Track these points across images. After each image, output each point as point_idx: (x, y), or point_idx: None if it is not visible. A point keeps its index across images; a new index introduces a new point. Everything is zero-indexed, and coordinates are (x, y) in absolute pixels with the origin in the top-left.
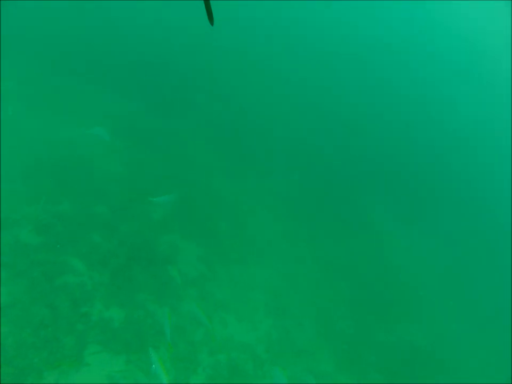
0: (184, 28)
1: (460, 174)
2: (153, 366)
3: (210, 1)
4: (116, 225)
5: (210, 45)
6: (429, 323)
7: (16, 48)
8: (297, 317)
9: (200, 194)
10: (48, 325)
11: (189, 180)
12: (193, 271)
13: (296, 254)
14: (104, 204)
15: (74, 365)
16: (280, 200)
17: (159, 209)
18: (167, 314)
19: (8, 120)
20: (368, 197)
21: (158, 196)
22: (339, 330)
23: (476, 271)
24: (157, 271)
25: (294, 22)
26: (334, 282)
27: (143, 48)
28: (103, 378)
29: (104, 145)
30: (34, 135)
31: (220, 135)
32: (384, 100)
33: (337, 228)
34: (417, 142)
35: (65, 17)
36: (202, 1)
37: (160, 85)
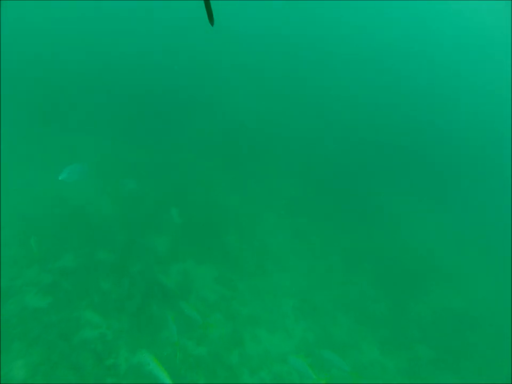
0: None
1: (470, 148)
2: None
3: (211, 2)
4: (123, 267)
5: (205, 56)
6: (460, 287)
7: None
8: (329, 313)
9: (203, 213)
10: None
11: (188, 201)
12: (213, 295)
13: (312, 251)
14: (106, 248)
15: None
16: (284, 201)
17: (164, 240)
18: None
19: None
20: (374, 181)
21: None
22: (375, 315)
23: (491, 237)
24: (175, 304)
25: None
26: (357, 269)
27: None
28: None
29: (92, 189)
30: (21, 195)
31: (213, 150)
32: (386, 83)
33: (349, 217)
34: (421, 118)
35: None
36: (203, 2)
37: (147, 110)
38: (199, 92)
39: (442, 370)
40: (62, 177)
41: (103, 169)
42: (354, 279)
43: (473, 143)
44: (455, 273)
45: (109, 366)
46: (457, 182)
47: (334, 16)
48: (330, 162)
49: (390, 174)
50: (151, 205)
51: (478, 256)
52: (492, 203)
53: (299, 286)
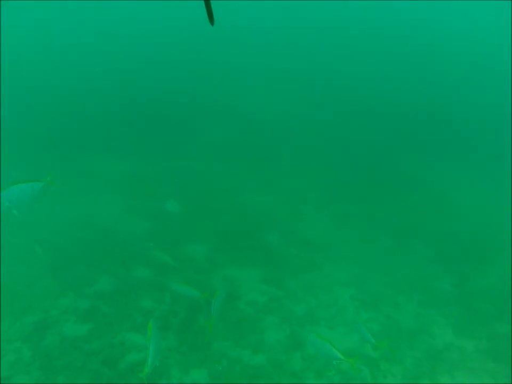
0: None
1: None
2: None
3: (211, 2)
4: (162, 283)
5: (212, 58)
6: None
7: None
8: (390, 299)
9: (237, 217)
10: None
11: (219, 207)
12: (263, 297)
13: (359, 236)
14: (141, 265)
15: None
16: (318, 192)
17: (201, 248)
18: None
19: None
20: (407, 154)
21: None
22: (440, 294)
23: None
24: (223, 312)
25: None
26: (410, 248)
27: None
28: None
29: (120, 207)
30: (44, 223)
31: (234, 153)
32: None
33: (390, 195)
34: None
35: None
36: (203, 2)
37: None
38: (211, 97)
39: None
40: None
41: (125, 186)
42: (409, 258)
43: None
44: None
45: None
46: (494, 149)
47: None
48: (357, 143)
49: (423, 145)
50: (181, 215)
51: None
52: None
53: (353, 275)
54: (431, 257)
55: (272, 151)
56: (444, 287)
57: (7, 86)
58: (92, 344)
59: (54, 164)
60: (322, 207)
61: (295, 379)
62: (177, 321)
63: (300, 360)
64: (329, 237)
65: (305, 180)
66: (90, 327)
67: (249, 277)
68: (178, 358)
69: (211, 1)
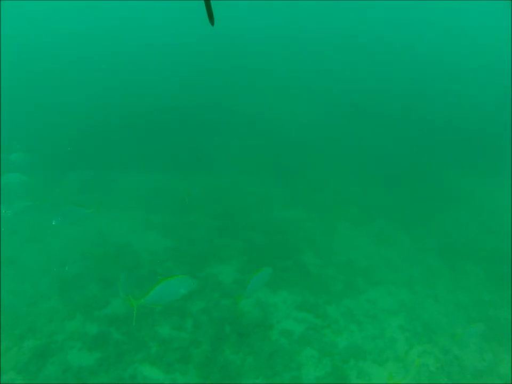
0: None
1: None
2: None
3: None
4: (183, 307)
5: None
6: None
7: None
8: (446, 329)
9: (268, 235)
10: None
11: (248, 224)
12: (299, 326)
13: (404, 254)
14: None
15: None
16: (355, 207)
17: (228, 269)
18: None
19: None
20: (442, 165)
21: None
22: (503, 322)
23: None
24: (253, 344)
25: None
26: (461, 266)
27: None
28: None
29: (140, 223)
30: (56, 238)
31: (262, 168)
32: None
33: (433, 208)
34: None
35: None
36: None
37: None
38: (232, 107)
39: None
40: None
41: (144, 201)
42: (461, 283)
43: None
44: None
45: None
46: None
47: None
48: (393, 154)
49: (462, 156)
50: (207, 232)
51: None
52: None
53: (400, 301)
54: (485, 281)
55: (300, 162)
56: (507, 316)
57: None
58: (99, 376)
59: (71, 178)
60: (358, 224)
61: None
62: (200, 353)
63: None
64: (369, 257)
65: (338, 194)
66: (98, 357)
67: (282, 302)
68: None
69: (211, 2)
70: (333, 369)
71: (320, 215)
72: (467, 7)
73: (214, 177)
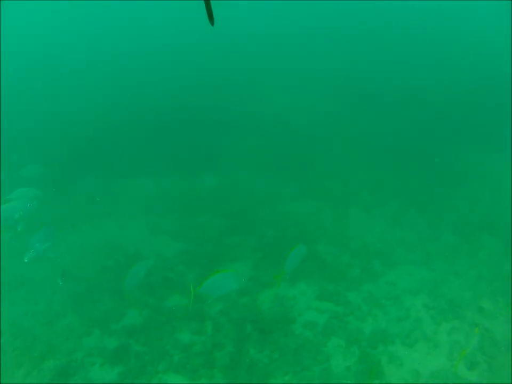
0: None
1: None
2: None
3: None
4: (201, 311)
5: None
6: None
7: None
8: (470, 303)
9: (280, 228)
10: None
11: (260, 218)
12: (322, 316)
13: (419, 234)
14: (176, 292)
15: None
16: (366, 191)
17: (242, 267)
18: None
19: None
20: (452, 140)
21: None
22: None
23: None
24: (277, 340)
25: None
26: (479, 241)
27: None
28: None
29: (148, 228)
30: (66, 252)
31: (270, 162)
32: None
33: (446, 186)
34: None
35: None
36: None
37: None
38: (235, 103)
39: None
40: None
41: (152, 206)
42: (480, 255)
43: None
44: None
45: None
46: None
47: None
48: (395, 137)
49: (471, 133)
50: (218, 232)
51: None
52: None
53: (420, 280)
54: (504, 251)
55: (307, 154)
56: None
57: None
58: None
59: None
60: (370, 208)
61: None
62: (224, 356)
63: None
64: (384, 240)
65: (348, 181)
66: (121, 370)
67: (302, 294)
68: None
69: (211, 2)
70: (362, 357)
71: (331, 204)
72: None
73: (222, 176)
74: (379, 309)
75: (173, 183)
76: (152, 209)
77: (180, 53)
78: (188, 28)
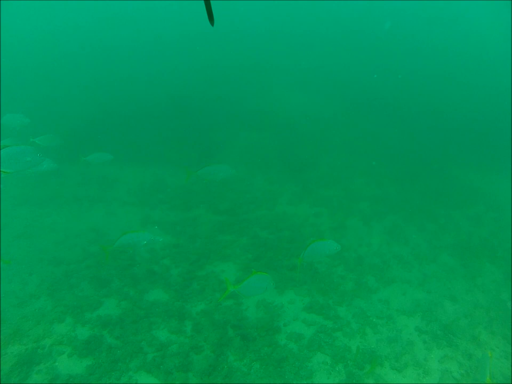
0: None
1: None
2: None
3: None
4: (182, 309)
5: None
6: None
7: None
8: (465, 330)
9: (274, 232)
10: None
11: (255, 219)
12: (308, 329)
13: (417, 252)
14: (158, 287)
15: None
16: (365, 202)
17: (230, 267)
18: None
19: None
20: (456, 158)
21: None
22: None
23: None
24: (260, 349)
25: None
26: (477, 263)
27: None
28: None
29: (139, 218)
30: (49, 234)
31: (263, 158)
32: None
33: (446, 204)
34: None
35: None
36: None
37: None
38: (236, 100)
39: None
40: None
41: (144, 195)
42: (478, 281)
43: None
44: None
45: None
46: None
47: None
48: (404, 149)
49: (475, 153)
50: (210, 228)
51: None
52: None
53: (414, 301)
54: (503, 279)
55: (309, 157)
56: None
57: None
58: None
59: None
60: (368, 220)
61: None
62: (201, 360)
63: None
64: (380, 255)
65: (348, 189)
66: (90, 364)
67: (290, 303)
68: None
69: (211, 2)
70: (348, 377)
71: (329, 211)
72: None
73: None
74: (369, 328)
75: (169, 175)
76: (145, 199)
77: (182, 47)
78: (187, 25)
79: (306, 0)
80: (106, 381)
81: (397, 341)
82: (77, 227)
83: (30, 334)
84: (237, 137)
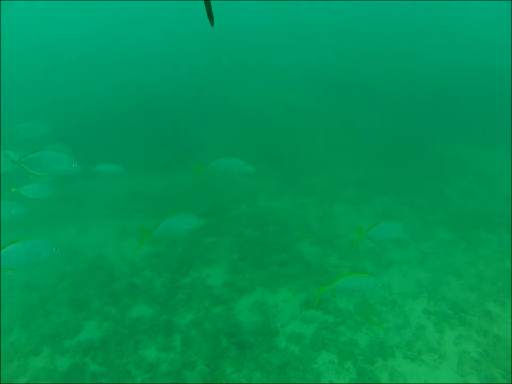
0: None
1: None
2: None
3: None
4: (170, 322)
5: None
6: None
7: None
8: (476, 306)
9: (258, 227)
10: None
11: (231, 218)
12: (309, 326)
13: (412, 231)
14: (142, 302)
15: None
16: (352, 185)
17: (217, 271)
18: None
19: None
20: (438, 132)
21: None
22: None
23: None
24: (258, 356)
25: None
26: (475, 238)
27: None
28: None
29: (114, 230)
30: None
31: (243, 153)
32: None
33: (431, 180)
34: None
35: None
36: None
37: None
38: (213, 97)
39: None
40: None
41: (119, 206)
42: (480, 252)
43: None
44: None
45: None
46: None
47: None
48: (382, 130)
49: (457, 125)
50: (190, 233)
51: None
52: None
53: (417, 282)
54: (503, 247)
55: (291, 149)
56: None
57: None
58: None
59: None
60: (357, 203)
61: None
62: (195, 376)
63: None
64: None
65: (333, 176)
66: None
67: (285, 302)
68: None
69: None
70: (359, 374)
71: (314, 200)
72: None
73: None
74: (375, 317)
75: (145, 182)
76: (120, 210)
77: (159, 47)
78: (167, 23)
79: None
80: None
81: (406, 327)
82: None
83: (2, 375)
84: (216, 136)
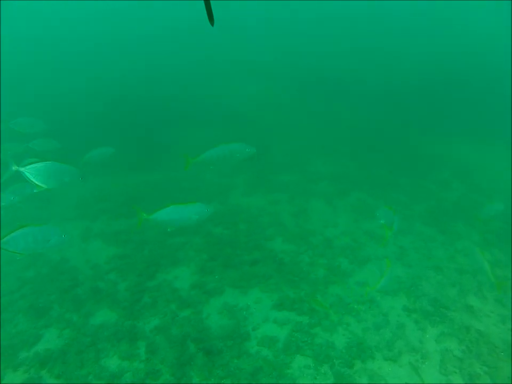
0: None
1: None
2: None
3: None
4: (134, 328)
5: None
6: None
7: None
8: (456, 301)
9: (223, 226)
10: None
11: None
12: (282, 329)
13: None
14: (105, 306)
15: None
16: (327, 181)
17: (184, 272)
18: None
19: None
20: (411, 127)
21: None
22: None
23: None
24: (228, 363)
25: None
26: (452, 231)
27: None
28: None
29: (76, 232)
30: None
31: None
32: None
33: (407, 174)
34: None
35: None
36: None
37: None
38: (187, 98)
39: None
40: None
41: (83, 207)
42: (459, 246)
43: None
44: None
45: None
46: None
47: None
48: (356, 125)
49: (429, 120)
50: (158, 233)
51: None
52: None
53: (397, 277)
54: (482, 240)
55: (263, 146)
56: None
57: None
58: None
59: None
60: (331, 199)
61: None
62: None
63: None
64: (349, 234)
65: (306, 171)
66: None
67: (256, 303)
68: None
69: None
70: (336, 378)
71: (287, 196)
72: None
73: (169, 170)
74: (352, 316)
75: (111, 182)
76: (85, 211)
77: (135, 45)
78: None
79: None
80: None
81: (385, 326)
82: (8, 253)
83: None
84: (186, 135)
